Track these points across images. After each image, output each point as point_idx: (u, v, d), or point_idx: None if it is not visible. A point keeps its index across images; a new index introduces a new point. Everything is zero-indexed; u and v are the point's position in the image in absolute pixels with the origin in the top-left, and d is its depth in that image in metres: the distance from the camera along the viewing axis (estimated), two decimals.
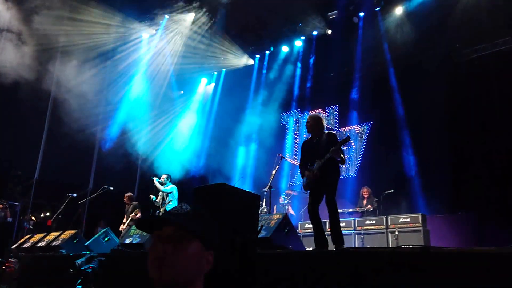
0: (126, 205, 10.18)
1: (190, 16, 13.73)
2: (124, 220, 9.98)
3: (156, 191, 9.84)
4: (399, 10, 11.77)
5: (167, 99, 14.73)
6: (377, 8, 11.89)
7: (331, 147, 5.38)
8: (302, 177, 5.79)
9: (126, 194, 10.30)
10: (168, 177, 9.86)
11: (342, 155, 5.46)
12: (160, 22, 14.01)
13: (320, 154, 5.47)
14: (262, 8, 13.03)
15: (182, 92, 15.75)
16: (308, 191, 5.66)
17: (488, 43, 10.39)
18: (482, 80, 10.19)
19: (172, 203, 9.45)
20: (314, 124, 5.80)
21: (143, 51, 14.41)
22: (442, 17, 10.72)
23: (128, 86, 13.95)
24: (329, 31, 13.20)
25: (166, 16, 13.83)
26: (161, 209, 9.62)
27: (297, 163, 13.91)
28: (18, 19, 11.24)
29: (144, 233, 6.87)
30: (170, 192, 9.61)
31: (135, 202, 10.13)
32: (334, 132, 6.52)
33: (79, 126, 11.90)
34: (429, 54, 11.17)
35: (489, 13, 10.21)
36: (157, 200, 9.72)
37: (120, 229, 9.85)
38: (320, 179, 5.43)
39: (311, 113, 6.14)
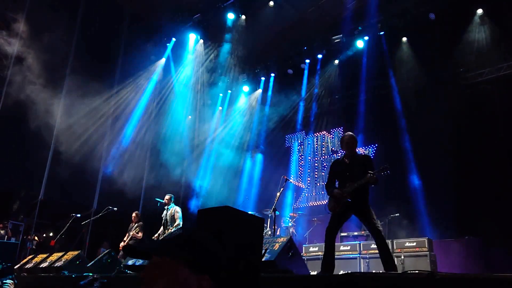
0: (132, 223, 10.12)
1: (193, 37, 13.97)
2: (125, 238, 9.91)
3: (160, 212, 9.75)
4: (403, 35, 11.91)
5: (173, 122, 14.83)
6: (381, 33, 12.04)
7: (367, 172, 5.21)
8: (330, 196, 5.54)
9: (134, 213, 10.25)
10: (171, 197, 9.70)
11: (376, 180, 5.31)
12: (167, 44, 14.24)
13: (353, 177, 5.32)
14: (268, 32, 13.26)
15: (190, 117, 15.85)
16: (331, 212, 5.49)
17: (493, 67, 10.46)
18: (487, 103, 10.21)
19: (178, 224, 9.30)
20: (351, 143, 5.61)
21: (152, 73, 14.61)
22: (446, 41, 10.84)
23: (135, 109, 14.07)
24: (336, 61, 13.33)
25: (173, 39, 14.06)
26: (160, 230, 9.49)
27: (302, 185, 13.86)
28: (27, 50, 11.56)
29: None
30: (178, 220, 9.37)
31: (140, 222, 10.10)
32: (371, 157, 6.20)
33: (84, 148, 12.00)
34: (433, 78, 11.26)
35: (493, 38, 10.33)
36: (162, 216, 9.59)
37: (120, 246, 9.78)
38: (350, 204, 5.31)
39: (348, 132, 5.95)
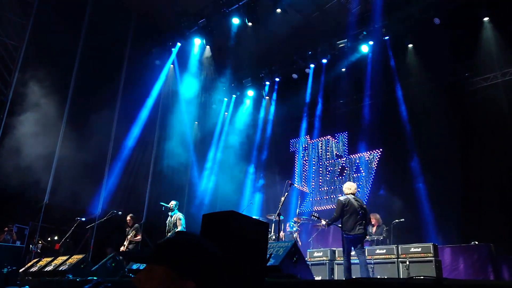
0: (128, 228, 10.05)
1: (198, 42, 13.99)
2: (125, 243, 9.86)
3: (165, 216, 9.75)
4: (408, 40, 11.89)
5: (178, 128, 14.85)
6: (386, 37, 12.03)
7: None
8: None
9: (129, 216, 10.16)
10: (177, 204, 9.72)
11: None
12: (173, 49, 14.27)
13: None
14: (273, 36, 13.27)
15: (197, 123, 15.89)
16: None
17: (499, 72, 10.42)
18: (493, 108, 10.17)
19: (180, 231, 9.30)
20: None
21: (157, 78, 14.66)
22: (451, 46, 10.81)
23: (140, 114, 14.10)
24: (343, 69, 13.29)
25: (179, 44, 14.10)
26: (167, 234, 9.51)
27: (306, 189, 13.83)
28: (32, 57, 11.69)
29: None
30: (180, 227, 9.37)
31: (136, 225, 10.02)
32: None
33: (89, 151, 12.04)
34: (438, 83, 11.23)
35: (499, 43, 10.30)
36: (166, 222, 9.60)
37: (121, 250, 9.76)
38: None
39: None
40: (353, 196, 7.15)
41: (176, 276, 1.26)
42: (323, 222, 7.42)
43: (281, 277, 4.82)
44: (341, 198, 7.19)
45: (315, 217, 7.74)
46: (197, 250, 1.32)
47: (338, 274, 8.44)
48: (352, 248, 7.05)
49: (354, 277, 5.91)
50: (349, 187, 7.31)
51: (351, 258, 8.34)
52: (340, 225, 7.12)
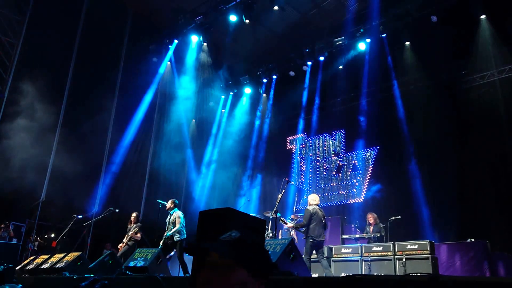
0: (130, 224, 10.06)
1: (195, 40, 13.96)
2: (124, 240, 9.84)
3: (162, 215, 9.73)
4: (405, 37, 11.89)
5: (175, 125, 14.81)
6: (383, 35, 12.03)
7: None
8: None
9: (134, 213, 10.19)
10: (174, 202, 9.69)
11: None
12: (170, 46, 14.23)
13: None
14: (270, 34, 13.27)
15: (194, 120, 15.87)
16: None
17: (495, 70, 10.44)
18: (490, 106, 10.20)
19: (178, 229, 9.26)
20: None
21: (154, 75, 14.62)
22: (448, 44, 10.83)
23: (137, 112, 14.06)
24: (340, 67, 13.26)
25: (176, 41, 14.05)
26: (166, 232, 9.48)
27: (303, 187, 13.83)
28: (28, 53, 11.66)
29: (148, 256, 6.82)
30: (178, 226, 9.36)
31: (139, 223, 10.06)
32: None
33: (86, 147, 12.01)
34: (435, 80, 11.25)
35: (495, 41, 10.32)
36: (166, 221, 9.59)
37: (119, 247, 9.74)
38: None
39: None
40: (318, 207, 8.12)
41: (252, 276, 1.28)
42: (290, 225, 8.60)
43: (278, 274, 4.82)
44: (309, 208, 8.04)
45: (282, 221, 8.76)
46: (265, 252, 1.38)
47: (335, 271, 8.46)
48: (314, 251, 7.87)
49: (350, 274, 5.92)
50: (314, 198, 8.31)
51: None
52: (302, 230, 8.12)
